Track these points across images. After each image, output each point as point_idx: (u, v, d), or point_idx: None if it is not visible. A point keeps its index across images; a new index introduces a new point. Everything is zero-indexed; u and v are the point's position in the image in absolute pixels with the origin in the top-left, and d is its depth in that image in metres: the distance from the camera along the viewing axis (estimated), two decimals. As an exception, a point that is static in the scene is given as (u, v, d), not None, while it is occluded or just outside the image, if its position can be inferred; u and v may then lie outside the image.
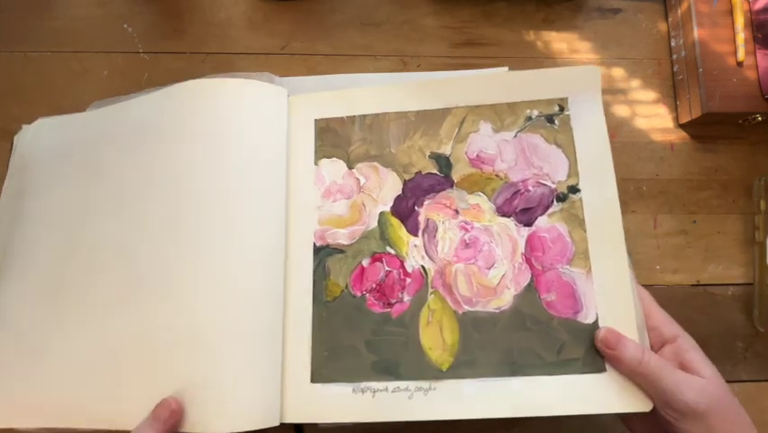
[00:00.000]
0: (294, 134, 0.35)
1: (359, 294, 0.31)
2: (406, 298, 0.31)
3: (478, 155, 0.33)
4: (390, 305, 0.31)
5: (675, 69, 0.38)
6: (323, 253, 0.32)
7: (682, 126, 0.38)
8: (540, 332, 0.29)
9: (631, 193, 0.37)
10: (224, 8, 0.38)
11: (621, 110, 0.38)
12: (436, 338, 0.30)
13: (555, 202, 0.32)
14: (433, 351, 0.30)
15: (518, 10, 0.38)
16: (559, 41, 0.39)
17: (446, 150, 0.34)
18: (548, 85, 0.34)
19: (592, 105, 0.33)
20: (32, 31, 0.37)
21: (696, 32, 0.37)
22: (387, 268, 0.32)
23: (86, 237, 0.33)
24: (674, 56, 0.38)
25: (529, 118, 0.34)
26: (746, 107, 0.35)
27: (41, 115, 0.36)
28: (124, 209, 0.33)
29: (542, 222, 0.31)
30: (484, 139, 0.34)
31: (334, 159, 0.34)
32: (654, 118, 0.38)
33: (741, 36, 0.36)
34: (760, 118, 0.35)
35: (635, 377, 0.27)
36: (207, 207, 0.32)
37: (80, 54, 0.34)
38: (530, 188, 0.32)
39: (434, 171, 0.33)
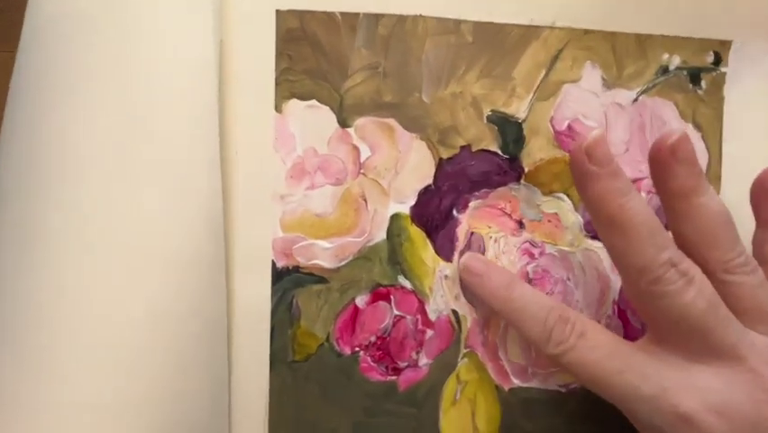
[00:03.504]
0: (234, 40, 0.18)
1: (348, 351, 0.19)
2: (424, 361, 0.19)
3: (570, 126, 0.19)
4: (397, 371, 0.19)
5: None
6: (288, 279, 0.18)
7: None
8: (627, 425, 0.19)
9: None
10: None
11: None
12: (465, 426, 0.19)
13: (677, 224, 0.19)
14: (457, 442, 0.19)
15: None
16: None
17: (520, 109, 0.19)
18: (706, 14, 0.19)
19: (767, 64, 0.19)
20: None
21: None
22: (396, 312, 0.19)
23: None
24: None
25: (665, 70, 0.19)
26: None
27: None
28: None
29: (649, 254, 0.19)
30: (585, 97, 0.19)
31: (314, 103, 0.18)
32: None
33: None
34: None
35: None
36: (80, 190, 0.16)
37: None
38: (643, 194, 0.20)
39: (494, 149, 0.19)
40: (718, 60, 0.19)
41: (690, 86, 0.19)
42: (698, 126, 0.20)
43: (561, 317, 0.16)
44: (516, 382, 0.19)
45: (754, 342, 0.15)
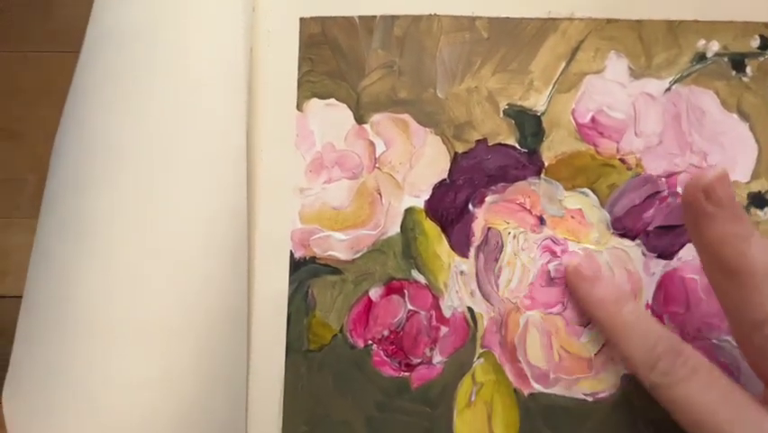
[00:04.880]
0: (262, 47, 0.19)
1: (361, 344, 0.19)
2: (438, 359, 0.19)
3: (594, 118, 0.18)
4: (410, 367, 0.19)
5: None
6: (305, 270, 0.19)
7: None
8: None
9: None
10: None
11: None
12: (481, 429, 0.19)
13: (722, 223, 0.18)
14: (472, 446, 0.18)
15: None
16: None
17: (538, 102, 0.19)
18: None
19: None
20: (32, 31, 0.37)
21: None
22: (410, 306, 0.19)
23: None
24: None
25: (702, 57, 0.18)
26: None
27: (41, 116, 0.33)
28: None
29: (690, 254, 0.18)
30: (610, 88, 0.18)
31: (333, 101, 0.19)
32: None
33: None
34: None
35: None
36: (107, 187, 0.18)
37: (80, 54, 0.28)
38: (679, 190, 0.18)
39: (511, 143, 0.19)
40: (766, 45, 0.18)
41: (733, 72, 0.18)
42: (744, 116, 0.18)
43: (673, 348, 0.15)
44: (537, 387, 0.18)
45: None
